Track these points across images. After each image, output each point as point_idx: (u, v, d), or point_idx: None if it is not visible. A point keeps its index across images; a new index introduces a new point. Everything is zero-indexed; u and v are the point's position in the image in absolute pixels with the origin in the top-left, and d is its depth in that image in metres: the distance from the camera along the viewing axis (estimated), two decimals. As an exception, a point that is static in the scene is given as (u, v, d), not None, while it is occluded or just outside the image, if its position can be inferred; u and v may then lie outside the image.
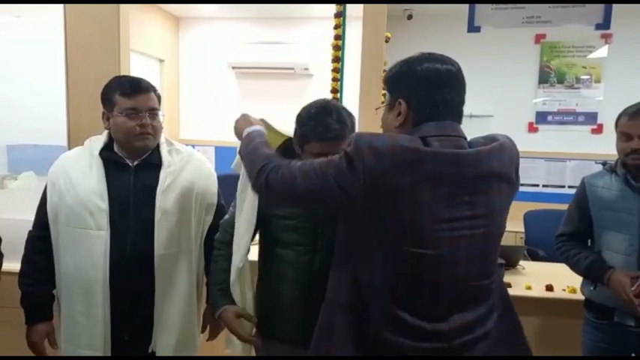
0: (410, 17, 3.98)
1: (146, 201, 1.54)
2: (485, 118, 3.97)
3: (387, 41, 3.01)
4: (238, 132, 1.42)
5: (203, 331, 1.75)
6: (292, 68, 3.99)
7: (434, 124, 1.13)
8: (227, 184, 1.74)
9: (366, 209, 1.07)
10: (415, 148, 1.05)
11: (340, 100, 2.06)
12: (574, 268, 1.89)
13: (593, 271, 1.80)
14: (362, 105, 1.95)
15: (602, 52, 3.98)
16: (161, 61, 4.27)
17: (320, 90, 2.05)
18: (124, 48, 2.03)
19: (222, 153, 4.48)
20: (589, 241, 1.90)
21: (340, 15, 1.99)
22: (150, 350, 1.58)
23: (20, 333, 1.95)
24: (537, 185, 4.08)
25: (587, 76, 4.03)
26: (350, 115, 1.43)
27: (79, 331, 1.55)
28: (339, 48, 2.04)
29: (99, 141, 1.62)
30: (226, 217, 1.59)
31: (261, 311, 1.53)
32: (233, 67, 4.29)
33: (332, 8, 1.95)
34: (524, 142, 4.08)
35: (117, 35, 1.99)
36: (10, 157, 2.94)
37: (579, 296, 2.06)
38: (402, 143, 1.06)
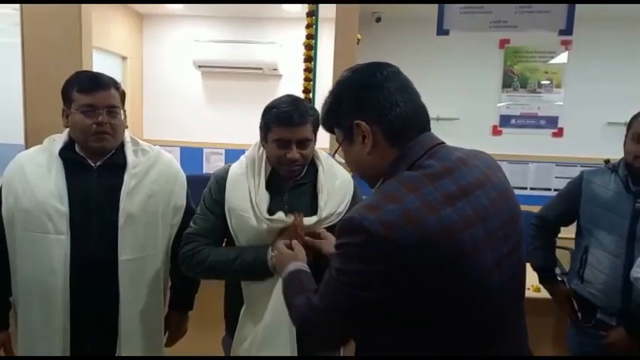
0: (378, 20, 3.99)
1: (109, 204, 1.47)
2: (452, 121, 4.04)
3: (357, 43, 3.02)
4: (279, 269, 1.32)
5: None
6: (261, 68, 3.94)
7: (415, 141, 0.99)
8: (193, 185, 1.69)
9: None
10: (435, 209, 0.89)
11: (312, 100, 2.03)
12: (529, 257, 1.95)
13: (542, 274, 1.96)
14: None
15: (562, 57, 4.11)
16: (124, 58, 4.14)
17: (289, 90, 2.02)
18: (86, 46, 1.95)
19: (187, 154, 4.38)
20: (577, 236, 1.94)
21: (312, 14, 1.96)
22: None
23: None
24: (501, 187, 4.18)
25: (548, 81, 4.16)
26: (313, 108, 1.46)
27: (37, 341, 1.47)
28: (311, 47, 2.01)
29: (59, 140, 1.53)
30: (191, 228, 1.51)
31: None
32: (199, 66, 4.20)
33: (302, 8, 1.93)
34: (489, 145, 4.19)
35: (78, 33, 1.91)
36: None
37: (544, 295, 2.13)
38: (409, 207, 0.89)
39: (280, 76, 4.14)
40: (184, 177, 1.67)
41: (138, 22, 4.29)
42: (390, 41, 4.07)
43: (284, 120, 1.39)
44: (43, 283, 1.44)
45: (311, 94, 2.03)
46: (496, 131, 4.22)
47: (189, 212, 1.62)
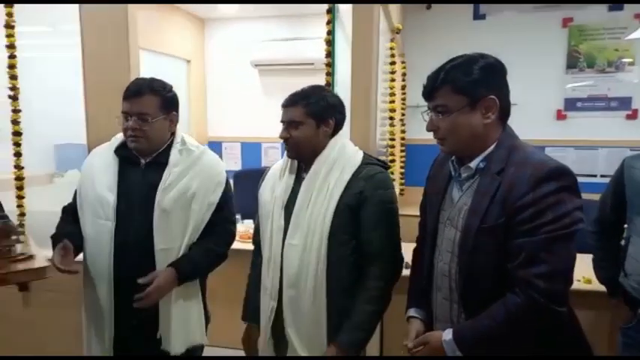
0: (429, 7, 3.94)
1: (149, 198, 1.62)
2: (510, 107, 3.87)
3: (398, 32, 3.01)
4: None
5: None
6: (312, 63, 4.04)
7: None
8: (252, 178, 1.80)
9: None
10: None
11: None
12: (595, 269, 1.95)
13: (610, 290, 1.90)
14: (354, 98, 2.00)
15: (638, 33, 3.78)
16: (188, 61, 4.43)
17: (340, 82, 2.09)
18: (133, 48, 2.13)
19: (247, 148, 4.61)
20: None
21: (330, 11, 2.04)
22: (158, 336, 1.65)
23: (60, 314, 2.15)
24: (568, 175, 3.94)
25: (620, 59, 3.84)
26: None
27: (91, 315, 1.69)
28: (330, 43, 2.09)
29: (119, 138, 1.74)
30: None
31: None
32: (256, 65, 4.39)
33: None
34: (553, 130, 3.99)
35: (126, 42, 2.10)
36: (57, 155, 3.19)
37: (595, 286, 2.03)
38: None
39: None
40: (224, 176, 1.78)
41: (199, 27, 4.57)
42: (440, 28, 4.01)
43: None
44: (94, 260, 1.66)
45: (331, 87, 2.10)
46: (560, 115, 3.98)
47: (219, 209, 1.73)
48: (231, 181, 3.21)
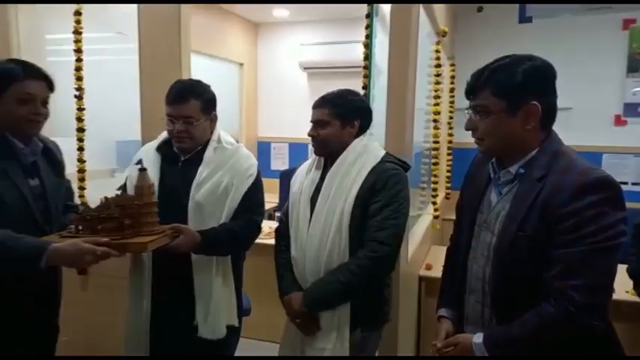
0: (480, 9, 3.88)
1: (185, 192, 1.73)
2: (565, 112, 3.73)
3: (444, 35, 3.00)
4: None
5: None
6: (359, 66, 4.08)
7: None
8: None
9: None
10: None
11: (368, 96, 2.15)
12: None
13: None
14: (391, 100, 2.03)
15: None
16: (241, 65, 4.61)
17: (383, 85, 2.13)
18: (185, 50, 2.26)
19: (294, 148, 4.72)
20: None
21: (369, 16, 2.09)
22: (194, 323, 1.75)
23: (113, 298, 2.33)
24: (626, 183, 3.75)
25: (689, 63, 3.62)
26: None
27: (133, 298, 1.82)
28: (367, 46, 2.13)
29: (163, 136, 1.87)
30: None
31: None
32: (305, 68, 4.50)
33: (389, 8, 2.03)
34: (611, 137, 3.82)
35: (178, 44, 2.23)
36: (118, 151, 3.41)
37: None
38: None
39: (380, 72, 4.25)
40: (255, 170, 1.85)
41: (253, 31, 4.73)
42: (492, 30, 3.94)
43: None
44: None
45: (367, 90, 2.13)
46: (619, 121, 3.79)
47: (247, 200, 1.79)
48: (277, 180, 3.31)
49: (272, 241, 1.93)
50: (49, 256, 1.39)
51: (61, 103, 2.45)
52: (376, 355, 1.85)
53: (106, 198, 1.53)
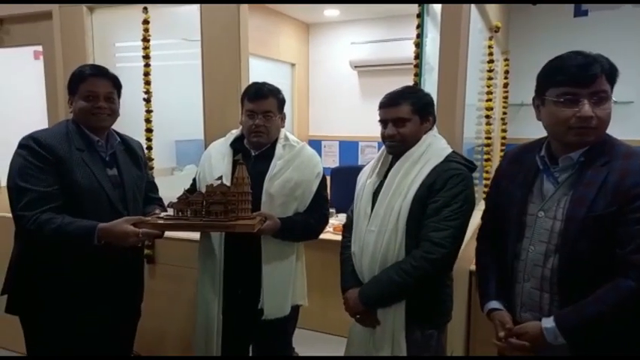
0: (535, 2, 3.79)
1: (258, 185, 1.85)
2: (625, 105, 3.60)
3: (497, 31, 2.98)
4: None
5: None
6: (410, 63, 4.09)
7: None
8: (348, 174, 1.97)
9: None
10: None
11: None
12: None
13: None
14: (441, 96, 2.05)
15: None
16: (293, 65, 4.73)
17: (435, 81, 2.16)
18: (244, 55, 2.38)
19: (345, 147, 4.79)
20: None
21: (420, 15, 2.12)
22: (259, 307, 1.89)
23: (179, 286, 2.49)
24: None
25: None
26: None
27: (203, 285, 1.96)
28: (418, 45, 2.17)
29: (234, 134, 2.02)
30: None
31: None
32: (355, 67, 4.55)
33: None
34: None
35: (237, 47, 2.36)
36: (177, 151, 3.61)
37: None
38: None
39: (432, 69, 4.23)
40: (321, 168, 2.01)
41: (304, 32, 4.84)
42: (549, 22, 3.84)
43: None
44: (208, 237, 1.93)
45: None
46: (684, 114, 3.60)
47: (317, 196, 1.96)
48: (328, 178, 3.39)
49: (322, 236, 2.10)
50: (99, 235, 1.60)
51: (129, 106, 2.65)
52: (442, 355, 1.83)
53: (211, 185, 1.71)
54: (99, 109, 1.76)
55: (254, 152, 1.95)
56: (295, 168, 1.92)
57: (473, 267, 2.66)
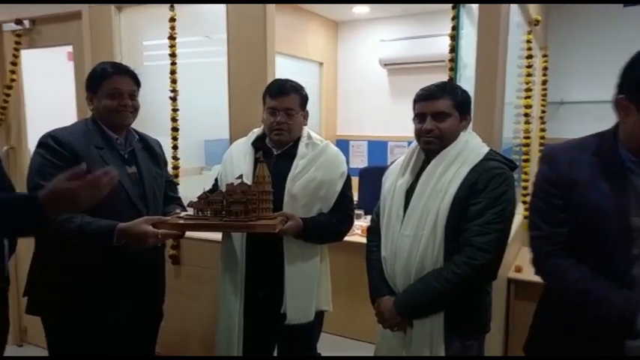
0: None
1: (280, 184, 1.79)
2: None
3: (536, 24, 2.83)
4: None
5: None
6: (443, 60, 3.96)
7: None
8: (376, 175, 1.90)
9: None
10: None
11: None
12: None
13: None
14: (478, 94, 1.95)
15: None
16: (321, 64, 4.65)
17: (470, 78, 2.06)
18: (270, 53, 2.33)
19: (373, 147, 4.69)
20: None
21: (456, 7, 2.03)
22: (282, 310, 1.83)
23: (203, 286, 2.46)
24: None
25: None
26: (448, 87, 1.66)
27: (225, 286, 1.90)
28: (454, 38, 2.07)
29: (256, 133, 1.97)
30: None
31: None
32: (385, 65, 4.45)
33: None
34: None
35: (264, 37, 2.30)
36: (206, 150, 3.60)
37: None
38: None
39: (465, 66, 4.09)
40: (345, 168, 1.94)
41: (333, 30, 4.76)
42: (589, 15, 3.64)
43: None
44: (229, 237, 1.89)
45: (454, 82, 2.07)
46: None
47: (342, 196, 1.89)
48: (356, 178, 3.30)
49: (347, 238, 2.03)
50: (118, 235, 1.58)
51: (156, 105, 2.64)
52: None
53: (232, 184, 1.67)
54: (124, 107, 1.75)
55: (276, 151, 1.89)
56: (319, 167, 1.85)
57: (512, 274, 2.56)
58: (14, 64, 3.04)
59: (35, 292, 1.76)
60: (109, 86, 1.72)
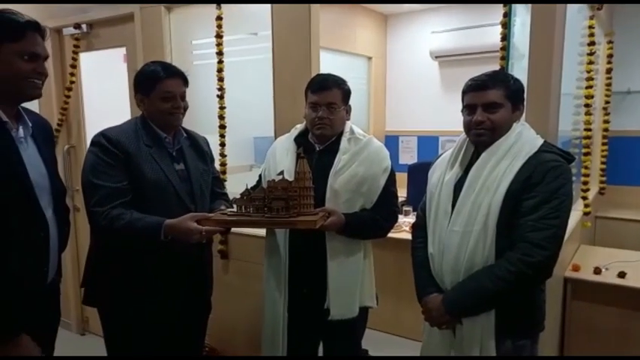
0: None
1: (322, 180, 1.78)
2: None
3: (599, 8, 2.65)
4: None
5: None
6: (496, 50, 3.80)
7: None
8: (426, 171, 1.84)
9: None
10: None
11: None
12: None
13: None
14: (531, 83, 1.83)
15: None
16: (369, 58, 4.58)
17: (525, 68, 1.95)
18: (315, 49, 2.31)
19: (423, 142, 4.57)
20: None
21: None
22: (325, 306, 1.81)
23: (250, 280, 2.47)
24: None
25: None
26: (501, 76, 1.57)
27: (269, 282, 1.91)
28: (505, 26, 1.95)
29: (298, 128, 1.97)
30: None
31: None
32: (436, 57, 4.31)
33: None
34: None
35: (308, 35, 2.29)
36: (255, 147, 3.64)
37: None
38: None
39: (522, 56, 3.90)
40: (389, 163, 1.89)
41: (382, 23, 4.67)
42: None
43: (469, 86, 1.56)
44: (273, 233, 1.89)
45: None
46: None
47: (385, 192, 1.84)
48: (405, 174, 3.24)
49: (395, 235, 1.94)
50: (165, 231, 1.63)
51: (205, 103, 2.68)
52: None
53: (273, 181, 1.68)
54: (177, 109, 1.79)
55: (318, 147, 1.88)
56: (361, 162, 1.82)
57: (568, 273, 2.42)
58: (74, 66, 3.20)
59: (90, 284, 1.83)
60: (162, 89, 1.75)
